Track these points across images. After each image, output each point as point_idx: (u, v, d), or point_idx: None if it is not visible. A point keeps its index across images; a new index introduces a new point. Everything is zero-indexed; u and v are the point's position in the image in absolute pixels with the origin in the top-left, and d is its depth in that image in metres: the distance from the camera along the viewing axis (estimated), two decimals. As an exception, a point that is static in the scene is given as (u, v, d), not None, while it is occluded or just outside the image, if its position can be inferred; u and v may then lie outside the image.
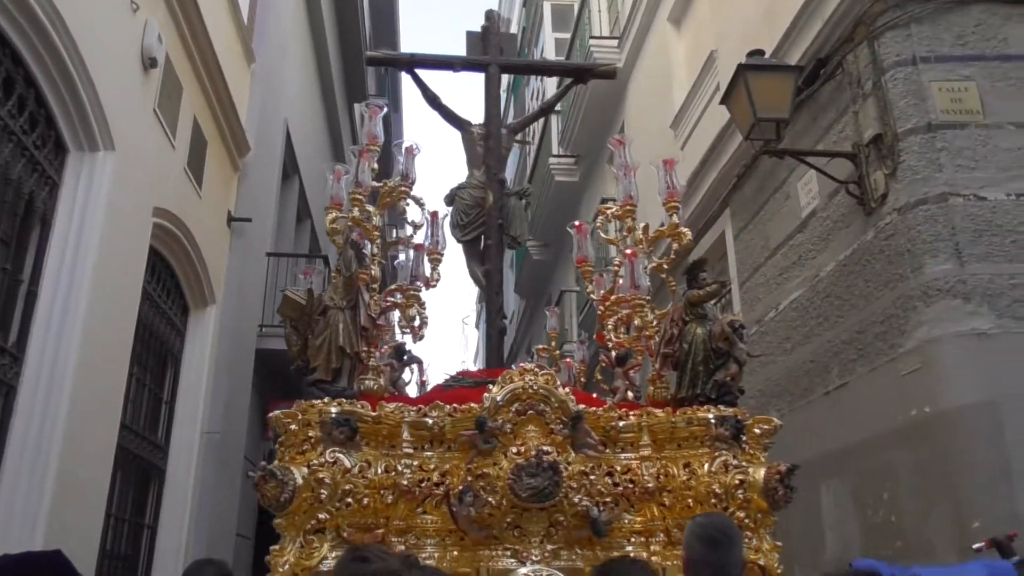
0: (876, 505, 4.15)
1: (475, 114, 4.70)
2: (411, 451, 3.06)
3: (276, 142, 8.08)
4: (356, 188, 3.56)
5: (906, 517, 3.93)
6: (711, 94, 6.52)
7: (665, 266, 3.76)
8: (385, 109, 4.02)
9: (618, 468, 3.11)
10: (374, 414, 3.05)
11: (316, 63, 10.58)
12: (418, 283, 3.96)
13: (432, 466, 3.04)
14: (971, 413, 3.67)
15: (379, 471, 2.97)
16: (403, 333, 4.05)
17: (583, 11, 10.53)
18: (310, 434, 2.98)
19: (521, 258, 14.02)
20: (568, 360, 5.23)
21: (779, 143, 4.53)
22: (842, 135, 4.65)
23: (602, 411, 3.20)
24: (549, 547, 2.97)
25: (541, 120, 11.46)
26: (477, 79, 4.47)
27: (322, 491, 2.81)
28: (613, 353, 3.73)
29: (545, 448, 2.96)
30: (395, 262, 4.76)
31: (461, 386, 3.51)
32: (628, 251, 3.76)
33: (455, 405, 3.11)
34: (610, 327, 3.77)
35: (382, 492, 2.95)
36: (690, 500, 3.03)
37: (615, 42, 9.53)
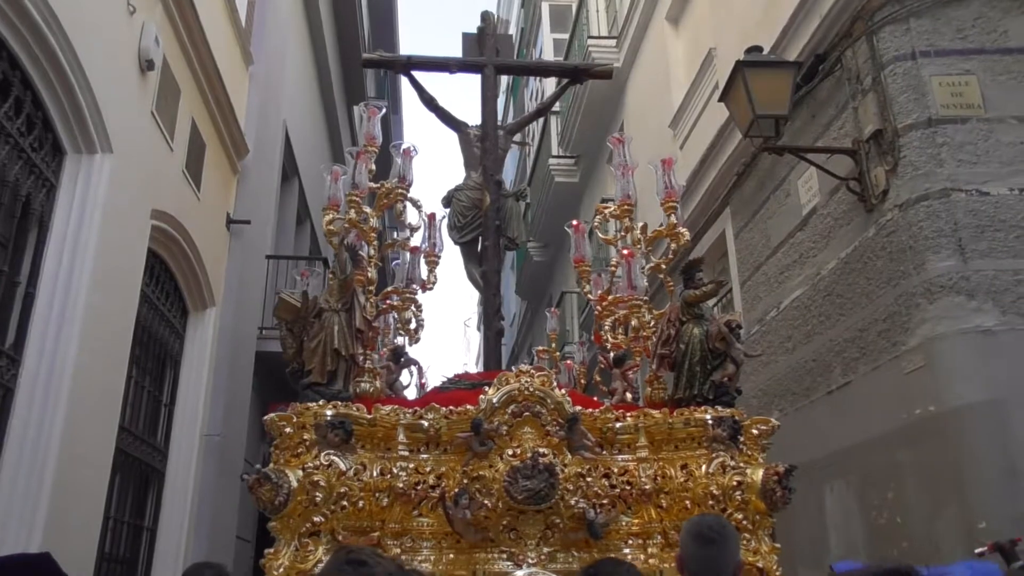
0: (881, 506, 4.10)
1: (472, 116, 4.69)
2: (407, 454, 3.04)
3: (275, 144, 8.07)
4: (353, 190, 3.54)
5: (911, 518, 3.88)
6: (710, 92, 6.49)
7: (663, 266, 3.73)
8: (384, 110, 4.01)
9: (615, 470, 3.08)
10: (369, 416, 3.03)
11: (315, 65, 10.58)
12: (414, 286, 3.94)
13: (428, 469, 3.03)
14: (976, 411, 3.63)
15: (375, 474, 2.95)
16: (399, 336, 4.04)
17: (581, 11, 10.51)
18: (305, 437, 2.97)
19: (522, 260, 13.99)
20: (568, 362, 5.20)
21: (778, 140, 4.50)
22: (842, 131, 4.61)
23: (598, 413, 3.17)
24: (545, 550, 2.95)
25: (540, 121, 11.44)
26: (474, 80, 4.46)
27: (317, 494, 2.79)
28: (611, 354, 3.70)
29: (541, 450, 2.94)
30: (393, 263, 4.75)
31: (458, 388, 3.49)
32: (625, 251, 3.74)
33: (451, 407, 3.09)
34: (607, 327, 3.75)
35: (378, 495, 2.93)
36: (687, 502, 3.00)
37: (613, 42, 9.52)
